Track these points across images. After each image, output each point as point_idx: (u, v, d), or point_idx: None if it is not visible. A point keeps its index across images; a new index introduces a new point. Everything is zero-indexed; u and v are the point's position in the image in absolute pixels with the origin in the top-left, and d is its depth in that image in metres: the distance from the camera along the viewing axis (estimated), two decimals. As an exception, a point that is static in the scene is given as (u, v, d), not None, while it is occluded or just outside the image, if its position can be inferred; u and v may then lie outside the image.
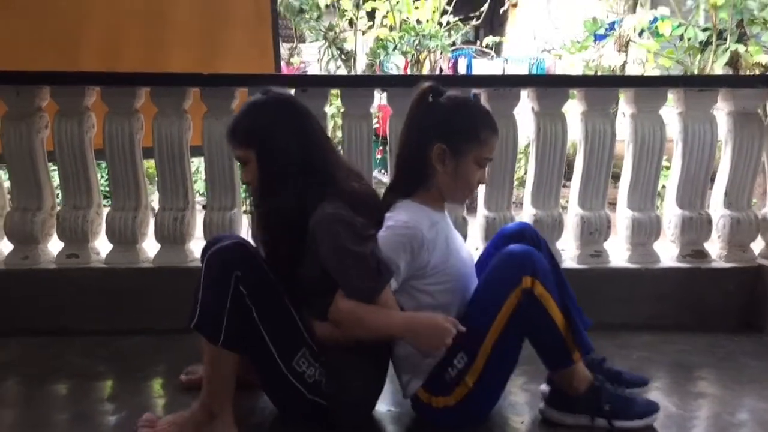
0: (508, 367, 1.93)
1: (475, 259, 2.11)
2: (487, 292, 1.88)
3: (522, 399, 2.14)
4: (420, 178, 1.93)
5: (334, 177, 1.92)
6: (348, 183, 1.93)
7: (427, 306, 1.88)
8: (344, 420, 1.90)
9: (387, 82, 3.15)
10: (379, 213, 1.93)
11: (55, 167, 2.94)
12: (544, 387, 2.04)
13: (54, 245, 2.96)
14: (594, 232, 2.92)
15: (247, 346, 1.84)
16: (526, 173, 3.14)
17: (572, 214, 2.99)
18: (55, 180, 3.04)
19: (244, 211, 3.09)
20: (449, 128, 1.89)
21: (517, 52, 11.26)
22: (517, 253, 1.86)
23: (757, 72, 6.41)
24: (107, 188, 2.99)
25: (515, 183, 3.14)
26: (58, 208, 2.97)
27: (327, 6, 8.56)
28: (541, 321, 1.83)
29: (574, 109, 3.04)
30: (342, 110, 2.96)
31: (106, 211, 2.96)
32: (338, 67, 9.23)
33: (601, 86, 3.01)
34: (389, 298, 1.82)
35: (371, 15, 8.67)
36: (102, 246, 2.97)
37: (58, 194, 3.03)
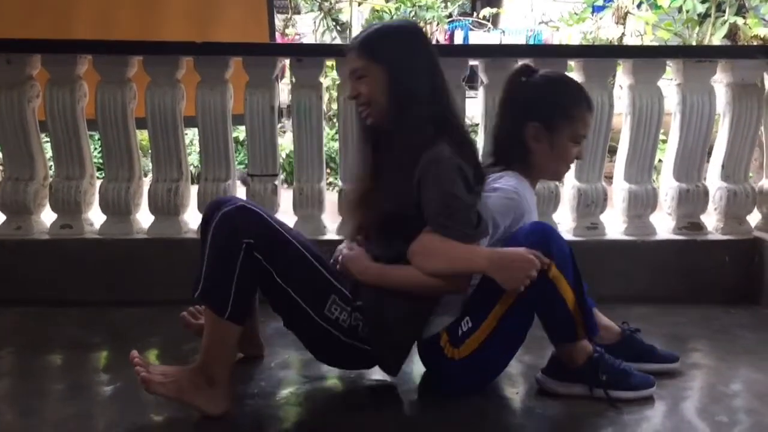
0: (513, 341, 1.92)
1: None
2: None
3: (516, 370, 2.14)
4: (517, 157, 1.97)
5: (455, 117, 1.90)
6: (466, 137, 1.91)
7: None
8: (389, 360, 1.92)
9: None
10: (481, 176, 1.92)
11: (48, 137, 2.91)
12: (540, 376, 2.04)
13: (47, 216, 2.95)
14: (590, 205, 2.91)
15: (276, 304, 1.86)
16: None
17: (569, 187, 2.98)
18: (48, 150, 3.02)
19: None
20: (543, 106, 1.93)
21: (515, 24, 11.18)
22: (534, 230, 1.86)
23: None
24: (101, 159, 2.97)
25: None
26: (51, 178, 2.94)
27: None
28: (553, 300, 1.82)
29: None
30: (338, 82, 2.93)
31: (99, 182, 2.93)
32: (333, 39, 9.16)
33: (598, 56, 2.99)
34: None
35: (367, -15, 8.60)
36: (95, 217, 2.96)
37: (50, 165, 3.01)
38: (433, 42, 9.62)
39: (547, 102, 1.94)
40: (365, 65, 1.88)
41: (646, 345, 2.13)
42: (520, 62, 2.04)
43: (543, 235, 1.83)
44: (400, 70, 1.85)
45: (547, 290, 1.80)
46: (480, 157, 2.00)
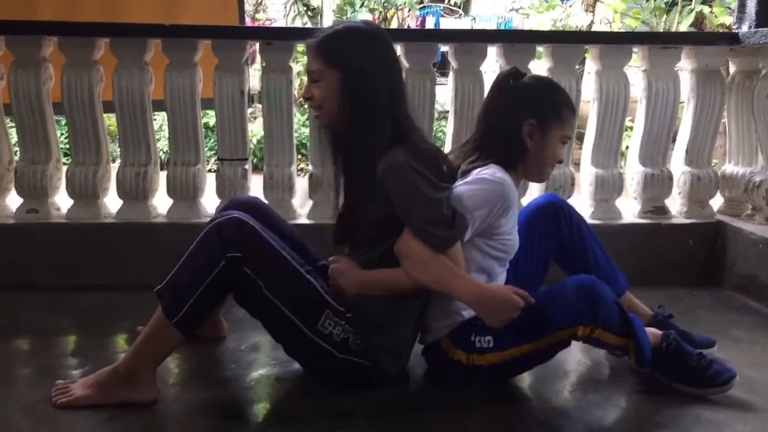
0: (537, 363, 1.94)
1: None
2: (541, 313, 1.83)
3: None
4: (509, 149, 1.95)
5: (411, 129, 1.84)
6: (422, 142, 1.86)
7: (472, 262, 1.87)
8: (386, 370, 1.85)
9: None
10: (448, 176, 1.88)
11: (13, 121, 2.86)
12: None
13: (12, 200, 2.90)
14: (558, 189, 2.94)
15: (266, 320, 1.84)
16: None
17: (537, 171, 3.00)
18: (13, 134, 2.97)
19: (209, 170, 3.06)
20: (538, 105, 1.96)
21: (485, 10, 11.22)
22: (582, 292, 1.82)
23: (721, 33, 6.45)
24: (67, 143, 2.93)
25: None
26: (16, 162, 2.90)
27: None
28: (600, 346, 1.90)
29: (540, 67, 3.04)
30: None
31: (66, 166, 2.90)
32: (304, 24, 9.12)
33: (567, 42, 3.01)
34: (459, 253, 1.79)
35: (338, -30, 8.56)
36: (62, 201, 2.92)
37: (16, 149, 2.96)
38: (405, 27, 9.62)
39: (542, 101, 1.97)
40: (320, 69, 1.80)
41: (680, 330, 2.13)
42: (508, 67, 2.05)
43: (590, 296, 1.81)
44: (355, 77, 1.78)
45: (594, 343, 1.84)
46: (454, 150, 2.01)
